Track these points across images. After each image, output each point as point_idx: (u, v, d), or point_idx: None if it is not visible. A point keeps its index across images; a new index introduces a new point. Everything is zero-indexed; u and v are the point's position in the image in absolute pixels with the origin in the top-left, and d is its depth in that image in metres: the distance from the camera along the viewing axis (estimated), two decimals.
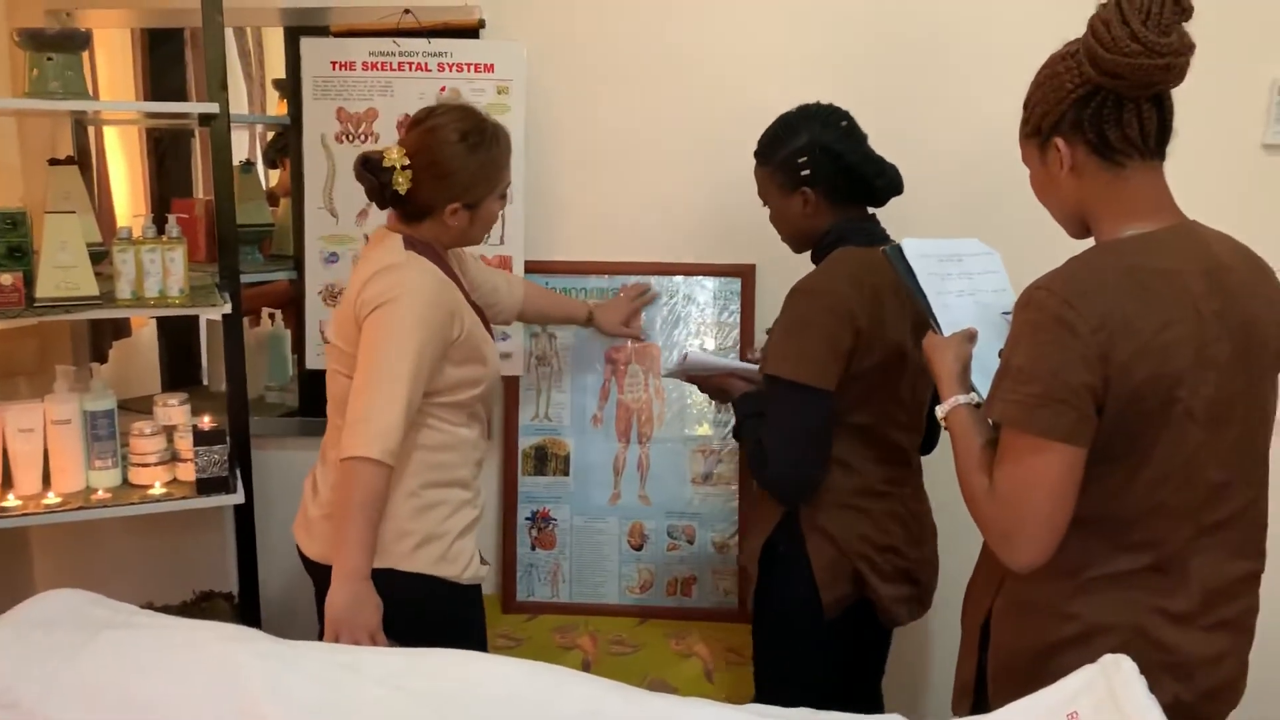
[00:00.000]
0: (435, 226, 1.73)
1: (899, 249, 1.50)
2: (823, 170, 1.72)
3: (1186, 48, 1.20)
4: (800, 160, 1.72)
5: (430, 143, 1.68)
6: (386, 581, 1.65)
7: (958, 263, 1.53)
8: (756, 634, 1.87)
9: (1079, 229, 1.35)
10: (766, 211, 1.82)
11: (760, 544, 1.77)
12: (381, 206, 1.74)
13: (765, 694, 1.85)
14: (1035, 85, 1.32)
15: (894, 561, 1.77)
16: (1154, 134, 1.26)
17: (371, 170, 1.69)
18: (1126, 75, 1.20)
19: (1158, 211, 1.28)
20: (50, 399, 2.00)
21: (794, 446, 1.67)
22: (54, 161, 2.22)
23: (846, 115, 1.77)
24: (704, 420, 2.36)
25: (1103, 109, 1.24)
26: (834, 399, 1.66)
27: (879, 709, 2.01)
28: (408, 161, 1.67)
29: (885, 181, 1.76)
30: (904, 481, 1.82)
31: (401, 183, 1.67)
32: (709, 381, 1.94)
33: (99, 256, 2.08)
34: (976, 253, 1.58)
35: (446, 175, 1.68)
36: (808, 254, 1.82)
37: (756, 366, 1.86)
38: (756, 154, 1.81)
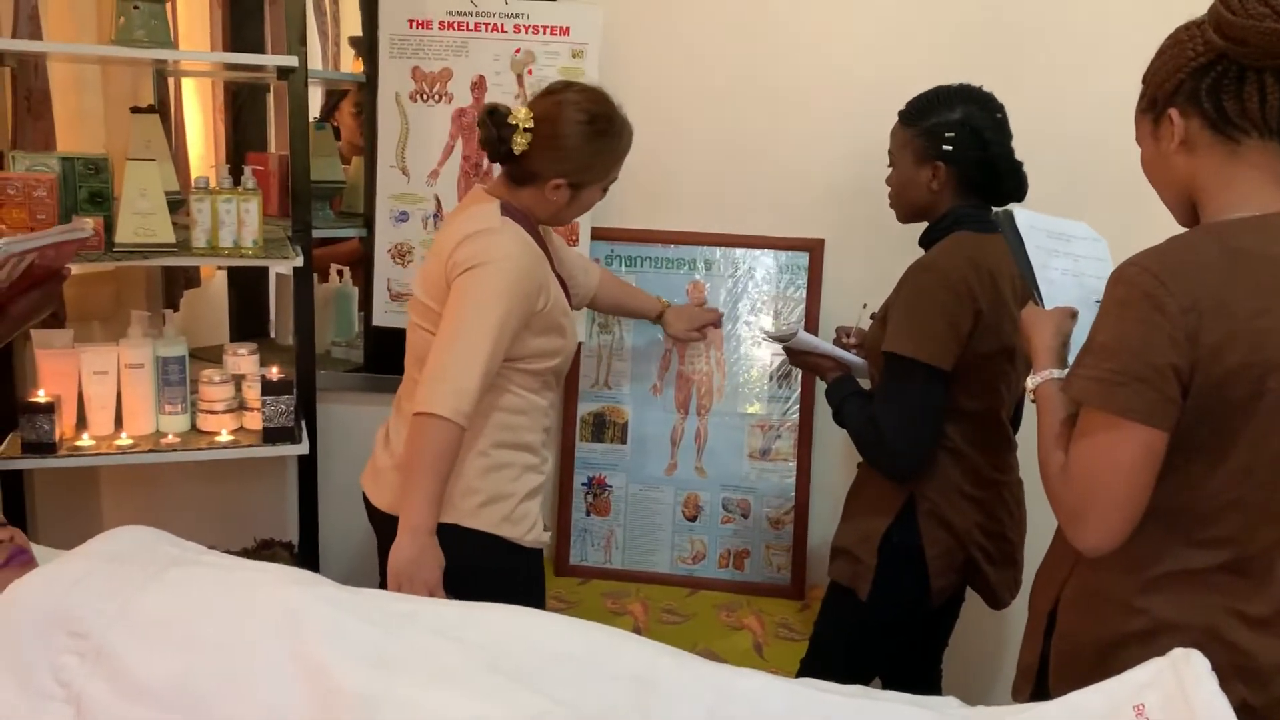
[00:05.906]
0: (534, 196, 1.74)
1: (1010, 214, 1.46)
2: (964, 151, 1.72)
3: None
4: (947, 134, 1.71)
5: (557, 114, 1.69)
6: (450, 537, 1.66)
7: (1065, 242, 1.49)
8: (846, 613, 1.84)
9: (1187, 214, 1.29)
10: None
11: (880, 531, 1.76)
12: (491, 160, 1.76)
13: (819, 667, 1.84)
14: (1156, 55, 1.26)
15: (1002, 547, 1.79)
16: (1275, 110, 1.19)
17: (496, 122, 1.70)
18: (1252, 41, 1.14)
19: (1271, 195, 1.22)
20: (125, 343, 2.05)
21: (912, 425, 1.67)
22: (136, 110, 2.26)
23: (1002, 108, 1.76)
24: (763, 396, 2.34)
25: (1223, 79, 1.19)
26: (949, 380, 1.66)
27: (937, 684, 2.00)
28: (531, 125, 1.68)
29: (1014, 184, 1.76)
30: (1010, 468, 1.83)
31: (519, 143, 1.68)
32: (805, 358, 1.93)
33: (175, 205, 2.12)
34: (1084, 237, 1.53)
35: (562, 150, 1.70)
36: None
37: (860, 360, 1.87)
38: (902, 114, 1.79)
